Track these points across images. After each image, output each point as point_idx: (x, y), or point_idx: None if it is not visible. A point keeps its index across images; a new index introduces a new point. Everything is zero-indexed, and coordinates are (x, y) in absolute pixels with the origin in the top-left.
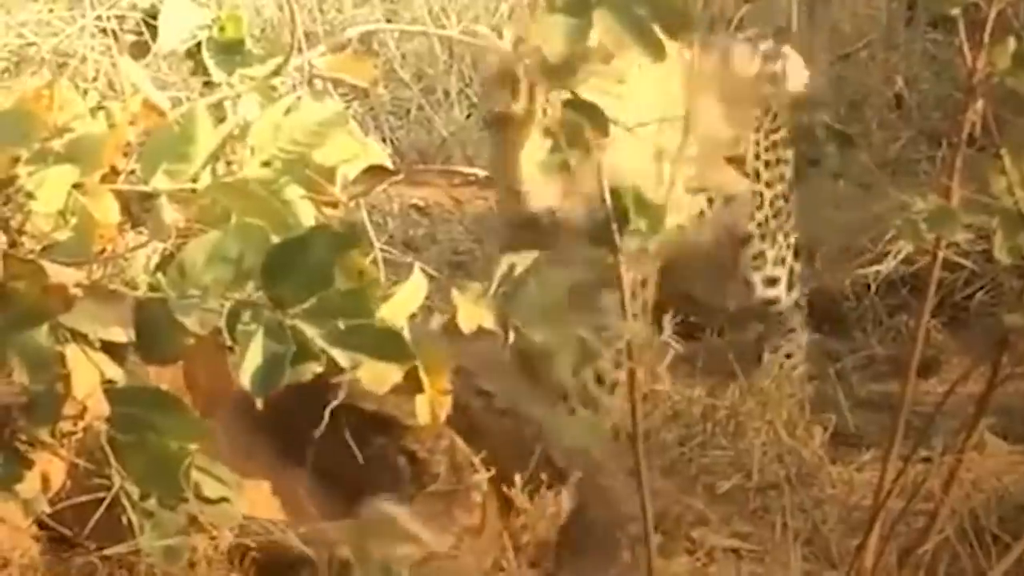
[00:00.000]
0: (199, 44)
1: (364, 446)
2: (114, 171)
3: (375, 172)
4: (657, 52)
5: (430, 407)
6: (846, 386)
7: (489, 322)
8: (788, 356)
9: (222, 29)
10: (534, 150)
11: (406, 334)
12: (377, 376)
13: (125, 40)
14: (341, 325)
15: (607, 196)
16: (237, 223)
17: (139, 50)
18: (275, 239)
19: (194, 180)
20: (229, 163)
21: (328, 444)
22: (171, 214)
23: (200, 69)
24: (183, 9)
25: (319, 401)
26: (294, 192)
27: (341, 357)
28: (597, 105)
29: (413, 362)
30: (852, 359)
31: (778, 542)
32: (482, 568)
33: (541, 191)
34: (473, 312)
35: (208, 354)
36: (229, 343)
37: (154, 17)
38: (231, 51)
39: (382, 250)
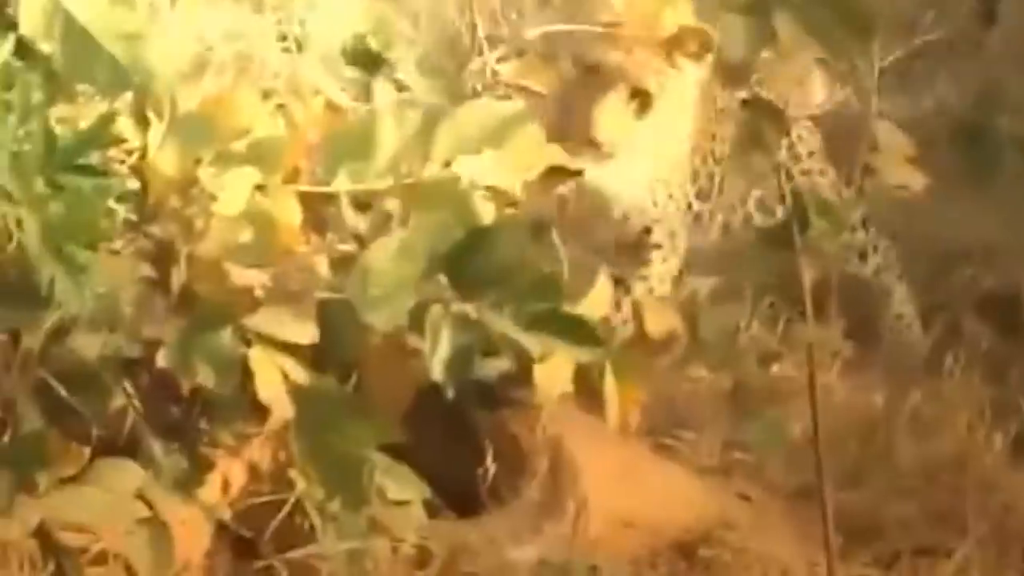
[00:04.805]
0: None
1: (461, 423)
2: (296, 172)
3: (556, 173)
4: (839, 54)
5: (620, 413)
6: None
7: (676, 324)
8: None
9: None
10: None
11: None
12: (549, 379)
13: (309, 43)
14: (531, 311)
15: (787, 196)
16: (422, 218)
17: (329, 56)
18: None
19: (375, 180)
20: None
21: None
22: (352, 215)
23: (386, 75)
24: (376, 18)
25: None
26: (475, 193)
27: (531, 343)
28: (777, 105)
29: (601, 349)
30: None
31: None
32: None
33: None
34: (662, 314)
35: (384, 358)
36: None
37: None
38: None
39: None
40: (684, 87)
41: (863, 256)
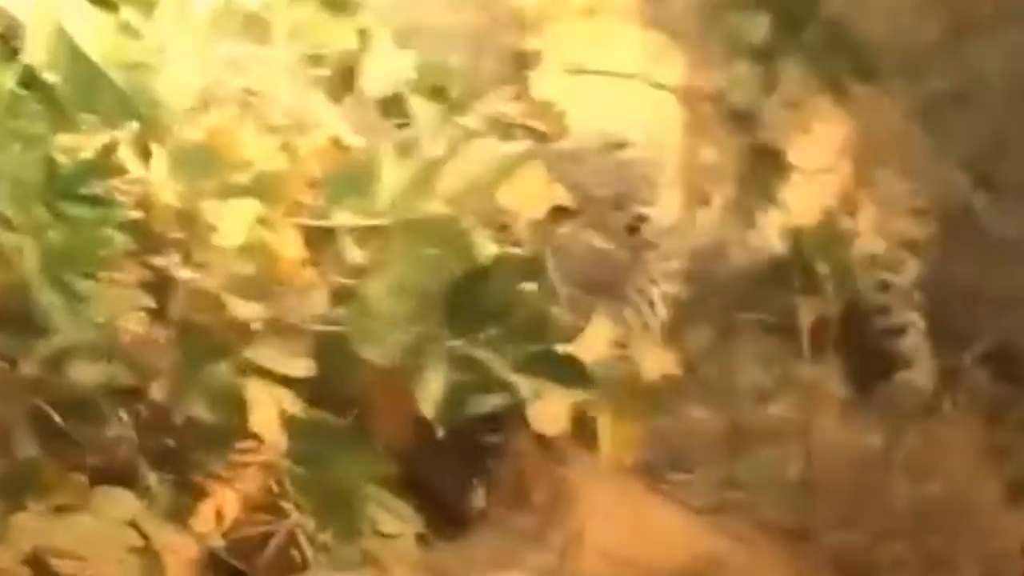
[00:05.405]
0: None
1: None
2: (298, 206)
3: (559, 213)
4: (846, 101)
5: (614, 452)
6: None
7: (673, 367)
8: None
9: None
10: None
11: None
12: (548, 417)
13: (317, 79)
14: (524, 351)
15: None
16: (419, 255)
17: (337, 92)
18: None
19: (377, 216)
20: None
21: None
22: (352, 250)
23: (393, 112)
24: (387, 54)
25: None
26: (476, 231)
27: (523, 385)
28: (781, 153)
29: (595, 390)
30: None
31: None
32: None
33: None
34: (658, 357)
35: (384, 391)
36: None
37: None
38: (432, 97)
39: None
40: None
41: (882, 306)
